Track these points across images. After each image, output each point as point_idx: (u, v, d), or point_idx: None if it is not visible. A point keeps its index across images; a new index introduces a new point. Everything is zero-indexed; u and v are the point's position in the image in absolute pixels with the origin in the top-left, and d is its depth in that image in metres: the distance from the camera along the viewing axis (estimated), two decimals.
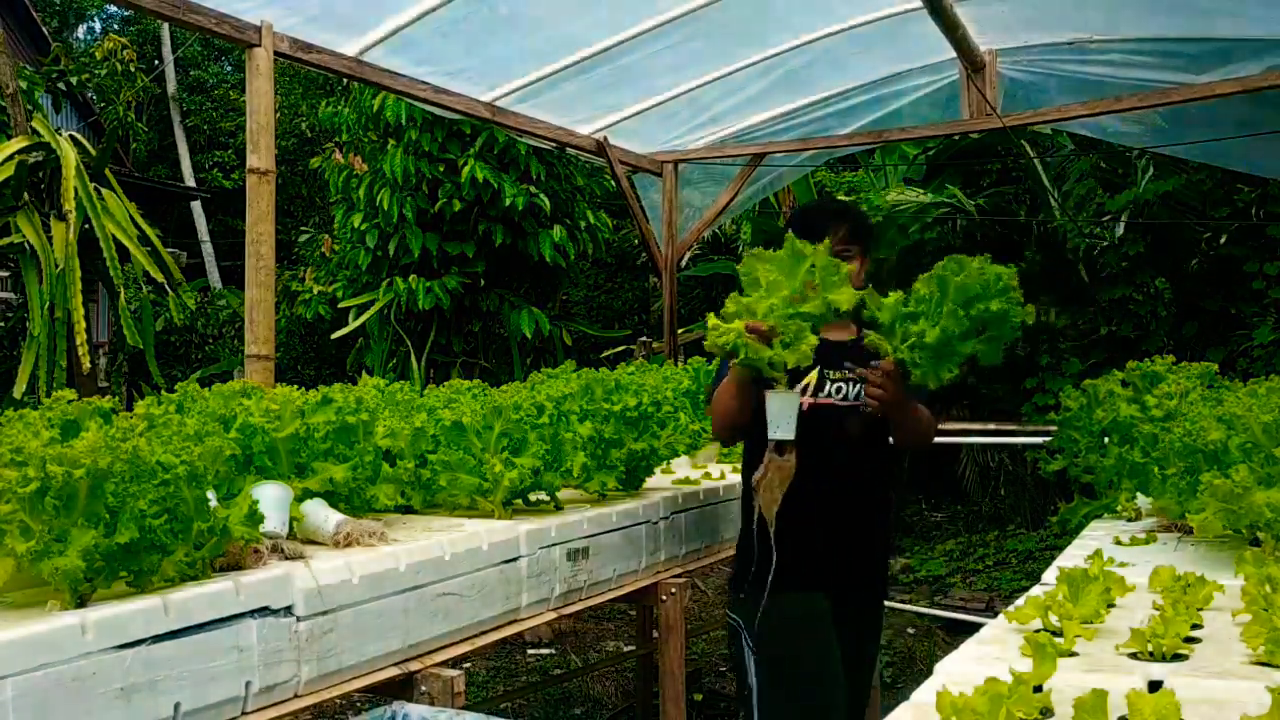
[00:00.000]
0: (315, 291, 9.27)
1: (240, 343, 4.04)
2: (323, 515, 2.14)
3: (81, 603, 1.60)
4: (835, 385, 2.61)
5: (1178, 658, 1.43)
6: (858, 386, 2.53)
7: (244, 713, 1.78)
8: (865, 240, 2.70)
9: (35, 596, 1.66)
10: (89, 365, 5.77)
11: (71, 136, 6.13)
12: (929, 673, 1.44)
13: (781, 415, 2.24)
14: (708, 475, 3.50)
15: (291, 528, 2.08)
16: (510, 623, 2.42)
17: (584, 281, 10.73)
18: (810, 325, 2.19)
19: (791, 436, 2.23)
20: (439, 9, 4.03)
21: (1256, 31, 4.47)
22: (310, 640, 1.88)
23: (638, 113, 5.39)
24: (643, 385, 3.01)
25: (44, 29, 15.94)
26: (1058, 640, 1.46)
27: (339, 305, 8.47)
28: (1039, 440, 3.64)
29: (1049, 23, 4.78)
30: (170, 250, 7.34)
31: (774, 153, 5.91)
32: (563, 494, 2.72)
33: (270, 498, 2.02)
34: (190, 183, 16.75)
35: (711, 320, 2.22)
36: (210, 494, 1.85)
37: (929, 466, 8.98)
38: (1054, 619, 1.56)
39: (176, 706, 1.65)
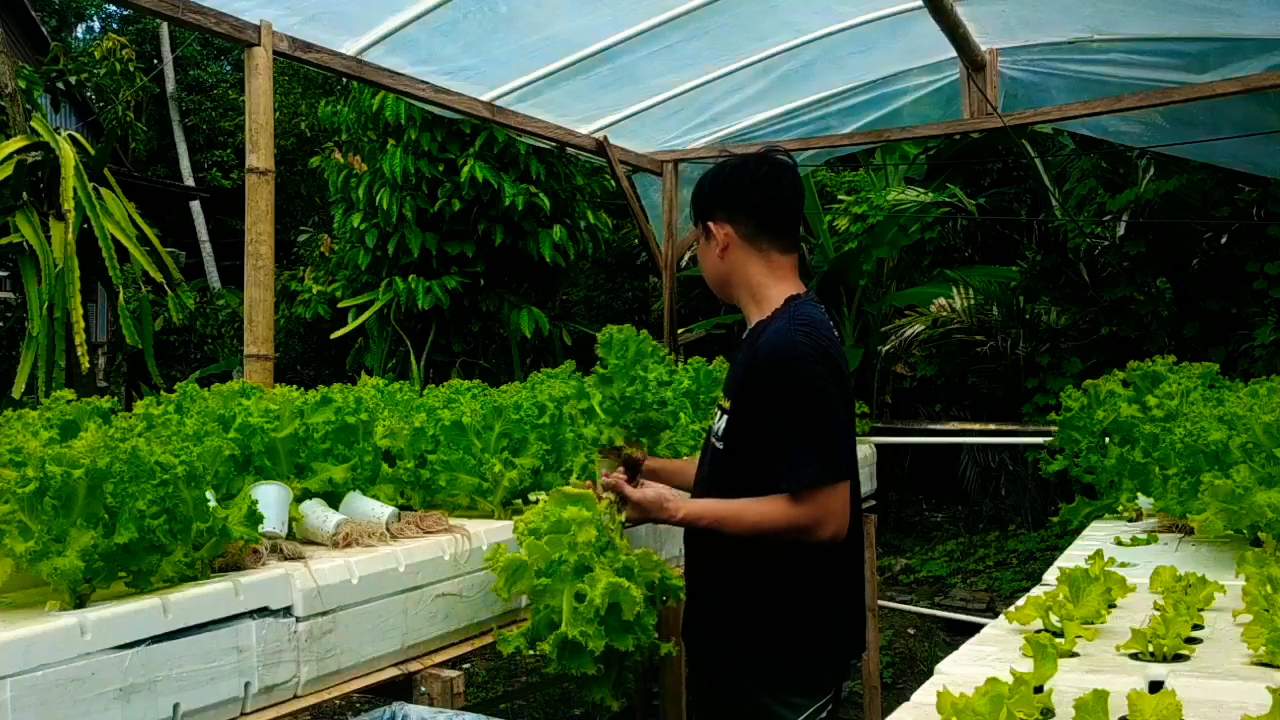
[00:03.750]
0: (314, 291, 9.27)
1: (239, 343, 4.04)
2: (322, 515, 2.14)
3: (80, 603, 1.60)
4: (717, 409, 2.24)
5: (1179, 658, 1.43)
6: (719, 414, 2.18)
7: (243, 713, 1.77)
8: (706, 210, 2.19)
9: (34, 597, 1.66)
10: (88, 365, 5.76)
11: (70, 136, 6.12)
12: (929, 673, 1.44)
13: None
14: None
15: (291, 528, 2.08)
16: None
17: (584, 281, 10.72)
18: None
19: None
20: (438, 8, 4.03)
21: (1256, 31, 4.47)
22: (310, 641, 1.88)
23: (638, 112, 5.39)
24: None
25: (43, 28, 15.92)
26: (1058, 641, 1.46)
27: (338, 305, 8.46)
28: (1039, 440, 3.64)
29: (1049, 22, 4.78)
30: (169, 250, 7.33)
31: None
32: None
33: (269, 498, 2.02)
34: (189, 182, 16.73)
35: None
36: (209, 494, 1.84)
37: (930, 467, 8.99)
38: (1055, 619, 1.56)
39: (175, 707, 1.65)
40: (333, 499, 2.21)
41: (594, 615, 1.76)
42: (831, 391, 2.01)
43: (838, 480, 2.00)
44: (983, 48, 4.92)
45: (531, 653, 1.94)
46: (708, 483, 2.22)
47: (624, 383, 2.53)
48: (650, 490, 2.10)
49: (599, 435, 2.48)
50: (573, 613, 1.77)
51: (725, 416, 2.13)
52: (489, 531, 2.34)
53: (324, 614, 1.91)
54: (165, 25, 16.26)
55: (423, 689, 2.07)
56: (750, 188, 2.15)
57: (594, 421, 2.50)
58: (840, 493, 2.00)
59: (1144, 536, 2.35)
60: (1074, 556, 2.12)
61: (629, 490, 2.04)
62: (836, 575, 2.13)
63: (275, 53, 3.63)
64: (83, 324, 5.70)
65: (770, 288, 2.14)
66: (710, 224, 2.16)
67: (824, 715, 2.09)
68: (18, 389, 5.55)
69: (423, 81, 4.43)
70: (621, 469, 2.09)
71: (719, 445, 2.14)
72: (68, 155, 5.79)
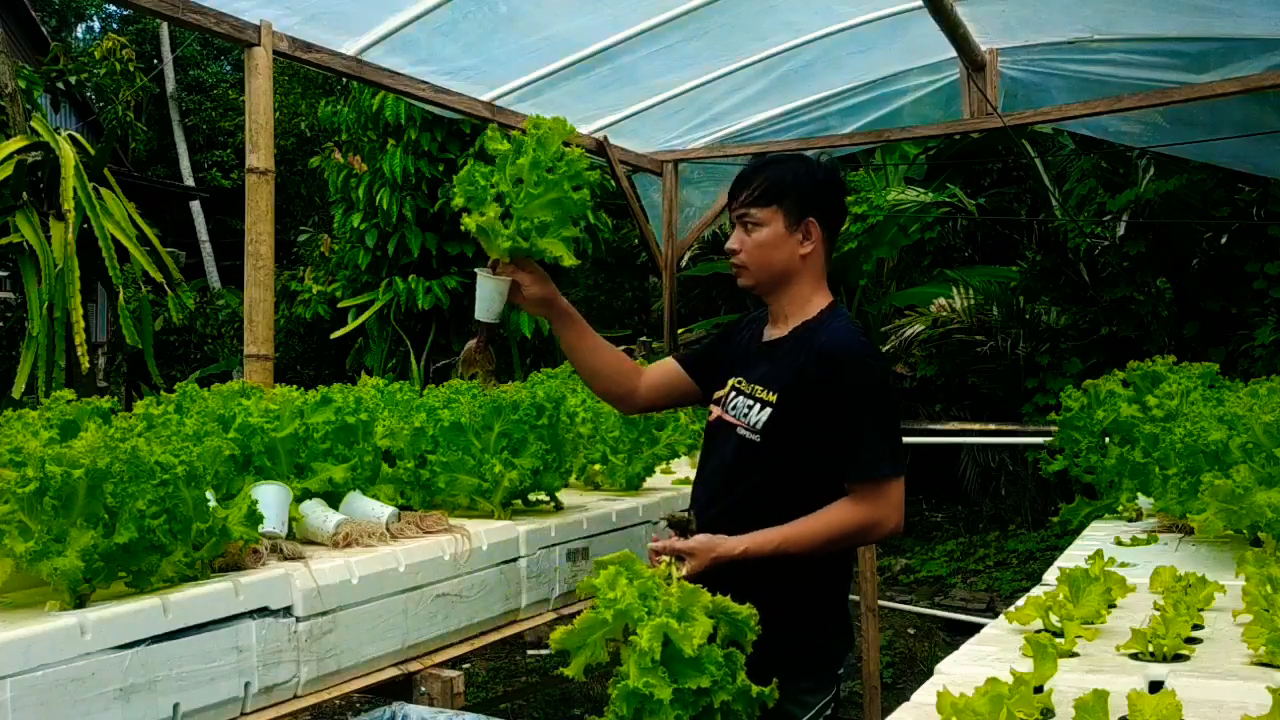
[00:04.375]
0: (314, 291, 9.27)
1: (239, 343, 4.04)
2: (322, 515, 2.14)
3: (80, 603, 1.60)
4: (739, 399, 2.20)
5: (1179, 658, 1.43)
6: (756, 407, 2.15)
7: (243, 713, 1.77)
8: (806, 206, 2.17)
9: (34, 597, 1.66)
10: (88, 365, 5.77)
11: (70, 136, 6.12)
12: (929, 673, 1.44)
13: (485, 298, 2.25)
14: None
15: (291, 528, 2.08)
16: (510, 623, 2.42)
17: (584, 281, 10.72)
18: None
19: (488, 319, 2.25)
20: (438, 8, 4.03)
21: (1256, 31, 4.47)
22: (310, 641, 1.88)
23: (638, 112, 5.39)
24: None
25: (43, 29, 15.92)
26: (1058, 641, 1.46)
27: (338, 305, 8.47)
28: (1039, 440, 3.63)
29: (1049, 22, 4.78)
30: (169, 250, 7.34)
31: (774, 152, 5.91)
32: (562, 494, 2.72)
33: (269, 498, 2.02)
34: (189, 182, 16.72)
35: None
36: (209, 494, 1.85)
37: (930, 467, 8.98)
38: (1055, 619, 1.56)
39: (175, 707, 1.65)
40: (333, 499, 2.22)
41: (651, 664, 1.67)
42: (893, 391, 2.14)
43: (902, 474, 2.10)
44: (983, 48, 4.92)
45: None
46: (733, 474, 2.18)
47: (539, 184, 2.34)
48: (699, 536, 2.04)
49: (513, 244, 2.27)
50: (636, 669, 1.69)
51: (767, 409, 2.11)
52: (489, 531, 2.35)
53: (324, 614, 1.91)
54: (165, 25, 16.25)
55: (423, 689, 2.07)
56: (841, 201, 2.28)
57: (499, 234, 2.28)
58: (902, 486, 2.09)
59: (1144, 536, 2.35)
60: (1074, 556, 2.12)
61: (679, 544, 1.99)
62: (841, 576, 2.20)
63: (275, 53, 3.63)
64: (83, 324, 5.71)
65: (819, 293, 2.23)
66: (810, 221, 2.17)
67: (829, 713, 2.12)
68: (18, 389, 5.55)
69: (423, 81, 4.43)
70: (671, 530, 2.06)
71: (753, 438, 2.12)
72: (68, 155, 5.80)
